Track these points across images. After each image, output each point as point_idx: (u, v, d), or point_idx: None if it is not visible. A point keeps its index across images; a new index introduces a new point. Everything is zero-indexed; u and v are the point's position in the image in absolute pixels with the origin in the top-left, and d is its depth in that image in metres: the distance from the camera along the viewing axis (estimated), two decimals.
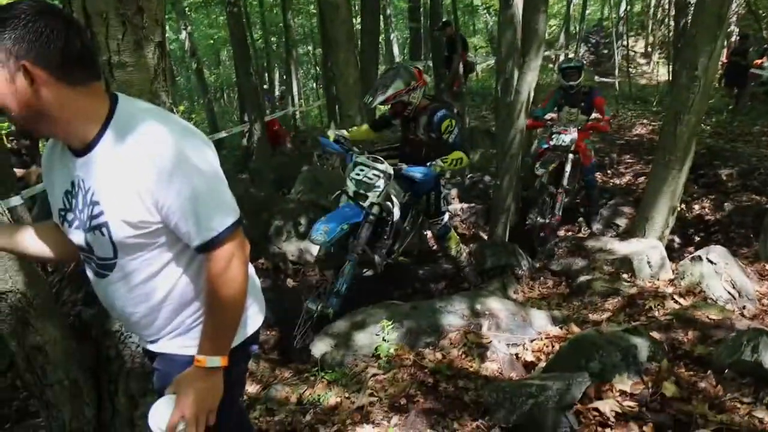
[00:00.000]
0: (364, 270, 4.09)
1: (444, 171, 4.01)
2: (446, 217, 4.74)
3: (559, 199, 5.71)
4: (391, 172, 3.92)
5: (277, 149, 10.73)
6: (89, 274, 1.53)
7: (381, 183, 3.90)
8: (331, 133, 4.26)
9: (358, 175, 3.95)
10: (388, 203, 3.98)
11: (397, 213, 4.01)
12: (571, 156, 5.76)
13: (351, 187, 3.96)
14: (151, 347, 1.59)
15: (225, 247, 1.37)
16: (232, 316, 1.44)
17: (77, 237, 1.45)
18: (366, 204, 3.88)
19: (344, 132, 4.38)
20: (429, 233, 6.21)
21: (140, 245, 1.40)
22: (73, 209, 1.43)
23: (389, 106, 4.15)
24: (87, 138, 1.34)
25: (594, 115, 6.30)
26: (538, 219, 5.72)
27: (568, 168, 5.73)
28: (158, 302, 1.48)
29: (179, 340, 1.54)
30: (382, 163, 3.98)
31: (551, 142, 5.82)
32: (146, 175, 1.29)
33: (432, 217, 4.63)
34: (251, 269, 1.61)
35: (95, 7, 1.78)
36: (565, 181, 5.73)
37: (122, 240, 1.38)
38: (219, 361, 1.43)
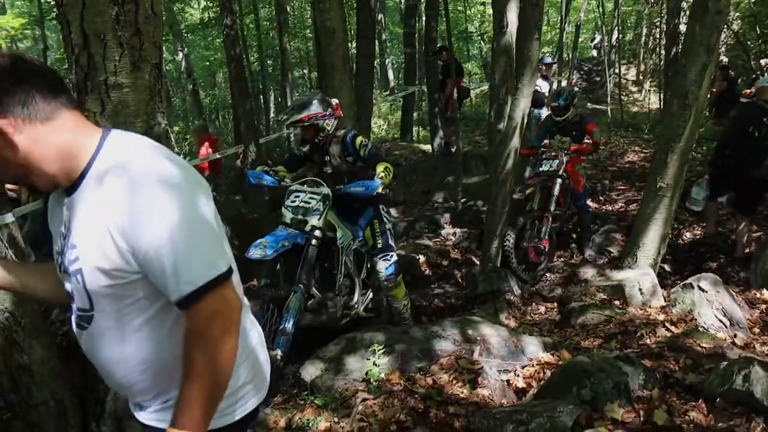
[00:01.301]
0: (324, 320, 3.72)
1: (386, 183, 3.74)
2: (394, 255, 4.14)
3: (545, 223, 5.69)
4: (328, 192, 3.75)
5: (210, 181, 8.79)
6: (73, 324, 1.37)
7: (320, 206, 3.70)
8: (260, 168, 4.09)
9: (294, 201, 3.75)
10: (331, 233, 3.78)
11: (342, 238, 3.82)
12: (559, 180, 5.80)
13: (288, 215, 3.71)
14: (137, 415, 1.40)
15: (206, 303, 1.18)
16: (212, 386, 1.20)
17: (66, 282, 1.33)
18: (307, 228, 3.64)
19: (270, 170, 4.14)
20: (421, 258, 6.23)
21: (116, 297, 1.24)
22: (63, 252, 1.29)
23: (299, 130, 3.95)
24: (73, 176, 1.23)
25: (586, 141, 6.36)
26: (515, 243, 5.47)
27: (555, 191, 5.75)
28: (138, 364, 1.29)
29: (162, 415, 1.33)
30: (319, 186, 3.81)
31: (541, 168, 5.89)
32: (121, 215, 1.15)
33: (376, 253, 4.09)
34: (253, 334, 1.43)
35: (93, 29, 1.79)
36: (551, 206, 5.72)
37: (96, 290, 1.23)
38: None
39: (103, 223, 1.17)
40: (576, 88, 6.80)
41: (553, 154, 5.92)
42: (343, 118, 5.33)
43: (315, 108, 3.86)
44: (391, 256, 4.10)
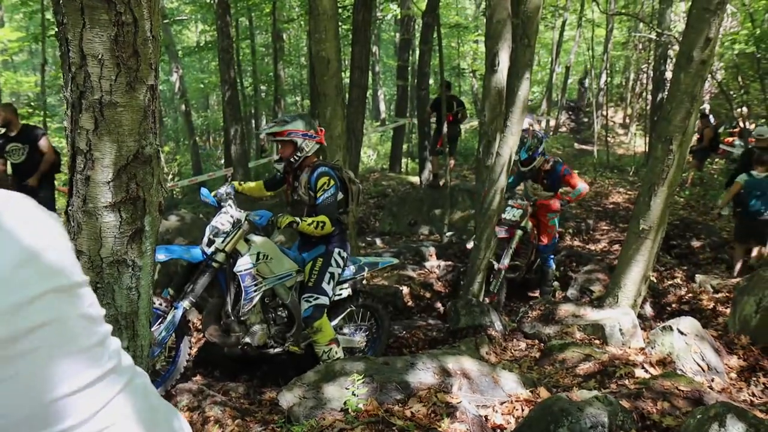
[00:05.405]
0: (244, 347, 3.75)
1: (303, 228, 3.72)
2: (321, 298, 3.91)
3: (496, 276, 5.49)
4: (242, 218, 3.72)
5: None
6: None
7: (229, 228, 3.68)
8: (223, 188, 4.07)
9: (215, 221, 3.76)
10: (244, 256, 3.72)
11: (243, 264, 3.70)
12: (519, 232, 5.64)
13: (206, 233, 3.73)
14: None
15: None
16: None
17: None
18: (210, 250, 3.65)
19: (232, 186, 4.11)
20: (405, 289, 6.23)
21: None
22: None
23: (280, 145, 3.93)
24: None
25: (562, 189, 6.25)
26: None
27: (513, 245, 5.59)
28: None
29: None
30: (240, 211, 3.79)
31: (503, 215, 5.67)
32: None
33: (304, 291, 3.96)
34: None
35: (92, 50, 1.82)
36: (506, 259, 5.57)
37: None
38: None
39: None
40: (541, 133, 6.48)
41: (518, 202, 5.74)
42: (333, 146, 5.39)
43: (298, 124, 3.86)
44: (316, 298, 3.89)
